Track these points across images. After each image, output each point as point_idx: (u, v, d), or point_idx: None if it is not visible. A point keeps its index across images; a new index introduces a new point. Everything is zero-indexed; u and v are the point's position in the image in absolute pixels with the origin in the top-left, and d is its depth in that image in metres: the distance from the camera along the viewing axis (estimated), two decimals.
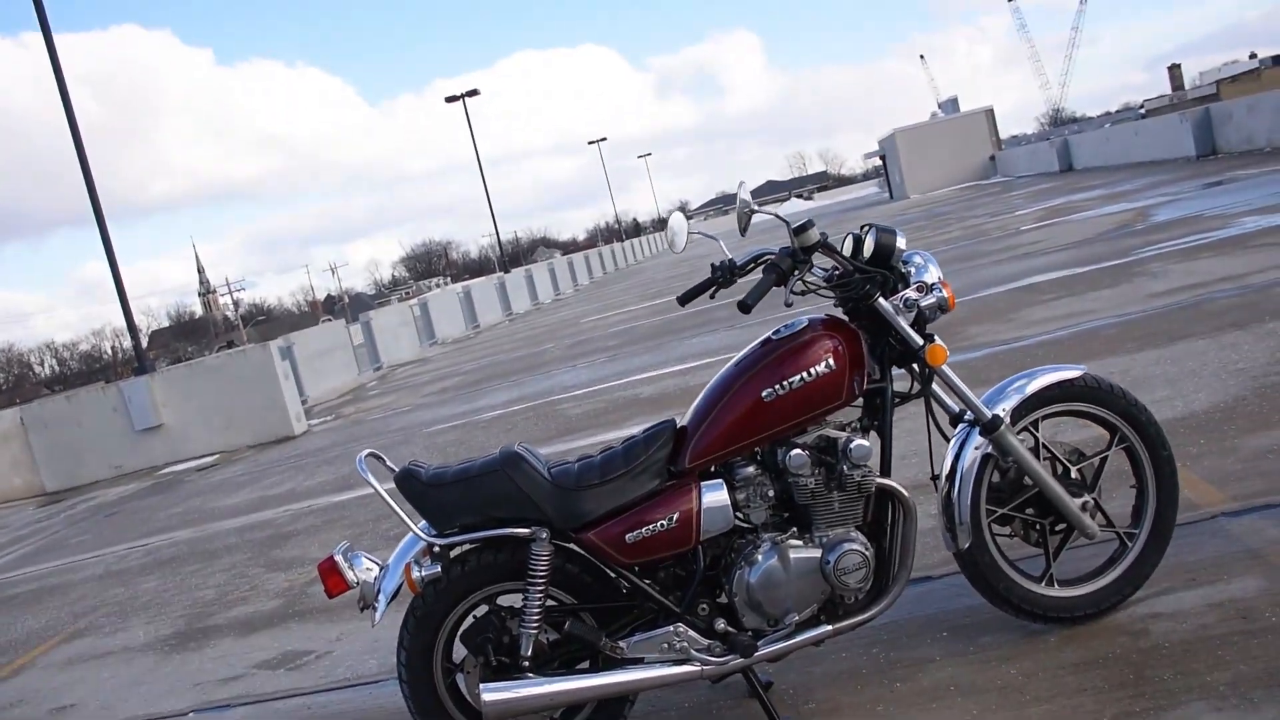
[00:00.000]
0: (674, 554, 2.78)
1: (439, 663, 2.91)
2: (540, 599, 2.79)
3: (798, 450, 2.75)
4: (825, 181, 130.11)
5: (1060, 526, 3.00)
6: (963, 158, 40.35)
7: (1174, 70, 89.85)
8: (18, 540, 11.34)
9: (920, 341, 2.83)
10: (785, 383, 2.73)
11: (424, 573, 2.79)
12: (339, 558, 2.89)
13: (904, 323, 2.82)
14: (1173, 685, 2.60)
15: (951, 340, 7.92)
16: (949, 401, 3.05)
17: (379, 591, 2.88)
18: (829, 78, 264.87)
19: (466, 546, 2.87)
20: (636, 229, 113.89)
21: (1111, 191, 18.02)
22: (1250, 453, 4.01)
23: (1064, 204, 17.90)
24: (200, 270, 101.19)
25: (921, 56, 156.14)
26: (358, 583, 2.88)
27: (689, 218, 2.94)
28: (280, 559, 6.83)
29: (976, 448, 2.94)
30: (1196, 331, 6.13)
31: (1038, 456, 2.98)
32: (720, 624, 2.80)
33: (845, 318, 2.90)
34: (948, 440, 3.04)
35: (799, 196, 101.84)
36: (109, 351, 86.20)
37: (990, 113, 42.41)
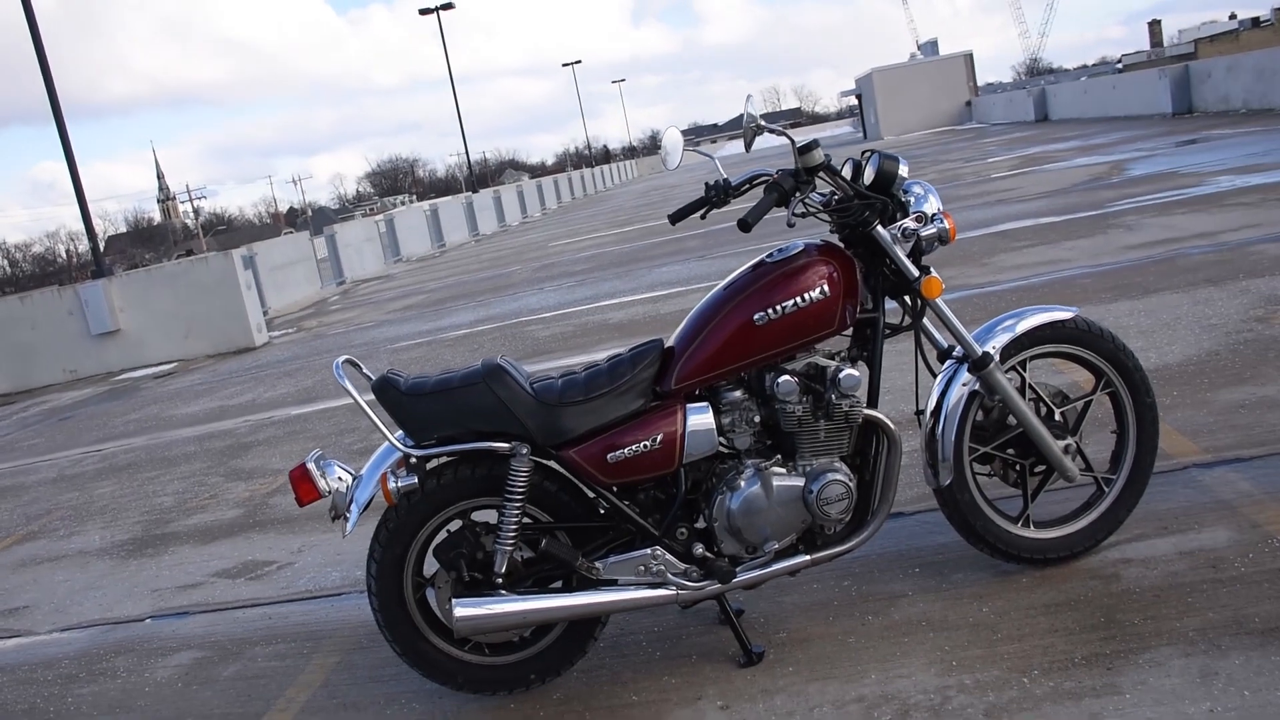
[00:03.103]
0: (655, 476, 2.74)
1: (409, 576, 2.87)
2: (517, 516, 2.74)
3: (786, 377, 2.71)
4: (799, 119, 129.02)
5: (1040, 468, 3.00)
6: (939, 101, 40.08)
7: (1154, 26, 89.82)
8: None
9: (916, 273, 2.78)
10: (777, 307, 2.67)
11: (400, 484, 2.73)
12: (311, 465, 2.82)
13: (901, 253, 2.77)
14: (1143, 629, 2.62)
15: None
16: (938, 336, 3.02)
17: (351, 501, 2.81)
18: (809, 13, 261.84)
19: (444, 459, 2.81)
20: (607, 155, 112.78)
21: (1087, 144, 18.02)
22: (1223, 406, 4.03)
23: (1039, 153, 17.89)
24: (160, 176, 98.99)
25: None
26: (330, 491, 2.82)
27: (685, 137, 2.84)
28: (240, 469, 6.74)
29: (964, 384, 2.91)
30: (1171, 285, 6.16)
31: (1023, 397, 2.96)
32: (698, 549, 2.78)
33: (841, 244, 2.83)
34: (934, 375, 3.01)
35: (770, 132, 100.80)
36: (64, 255, 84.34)
37: (969, 57, 42.08)
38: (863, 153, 2.84)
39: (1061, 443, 2.92)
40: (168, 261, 17.69)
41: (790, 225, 2.66)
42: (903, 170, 2.75)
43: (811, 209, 2.78)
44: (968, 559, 3.14)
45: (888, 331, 2.87)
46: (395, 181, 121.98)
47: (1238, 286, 5.79)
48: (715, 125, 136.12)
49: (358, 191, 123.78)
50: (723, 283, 2.86)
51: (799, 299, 2.67)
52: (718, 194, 2.90)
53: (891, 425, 2.79)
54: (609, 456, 2.70)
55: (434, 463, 2.83)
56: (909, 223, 2.76)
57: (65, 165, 15.80)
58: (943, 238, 2.76)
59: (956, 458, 2.90)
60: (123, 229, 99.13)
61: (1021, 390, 2.96)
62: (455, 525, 2.88)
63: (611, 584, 2.77)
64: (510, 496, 2.73)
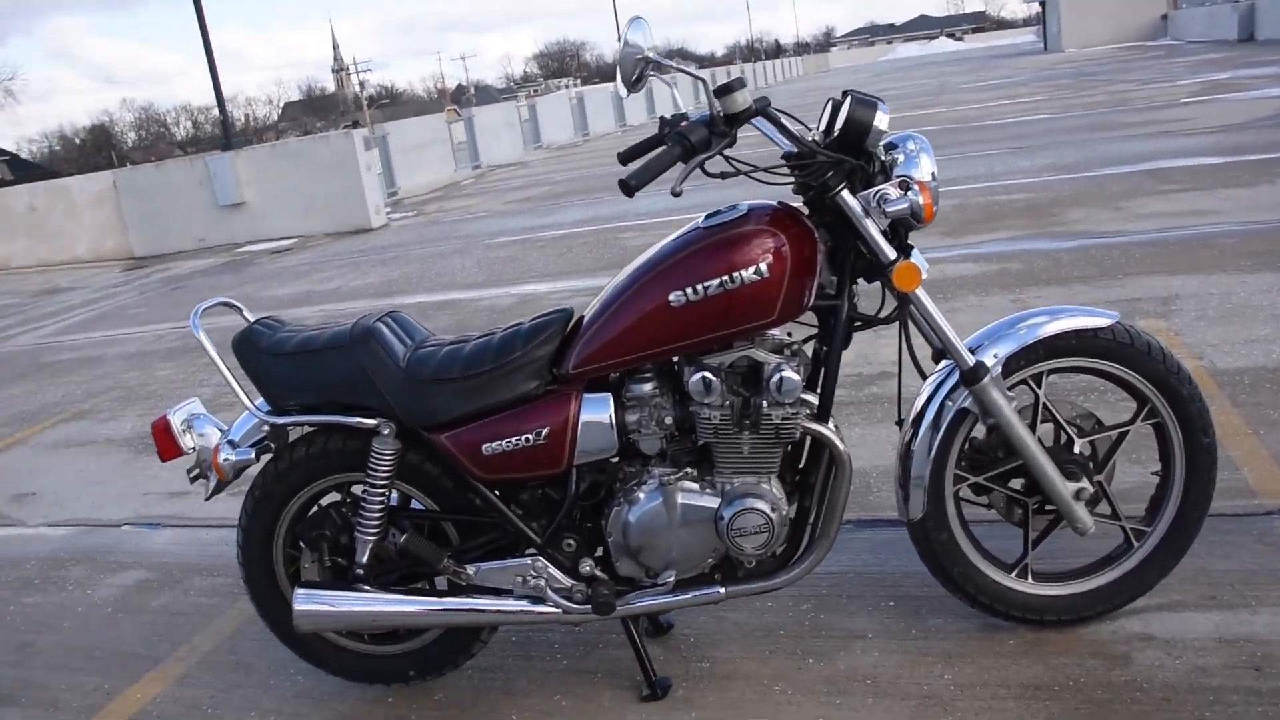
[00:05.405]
0: (541, 475, 2.25)
1: (280, 548, 2.50)
2: (380, 502, 2.32)
3: (704, 374, 2.14)
4: (982, 23, 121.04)
5: (1051, 507, 2.36)
6: (1131, 13, 36.49)
7: None
8: (89, 303, 11.47)
9: (891, 255, 2.14)
10: (700, 286, 2.10)
11: (234, 457, 2.34)
12: (173, 419, 2.46)
13: (874, 227, 2.14)
14: None
15: (1045, 224, 7.06)
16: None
17: (213, 464, 2.45)
18: None
19: (309, 428, 2.40)
20: (778, 50, 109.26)
21: None
22: None
23: (1228, 80, 15.98)
24: (335, 46, 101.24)
25: None
26: (194, 449, 2.45)
27: (647, 59, 2.17)
28: None
29: (952, 398, 2.29)
30: None
31: (1035, 419, 2.32)
32: (586, 566, 2.29)
33: (804, 209, 2.22)
34: (925, 378, 2.39)
35: (949, 36, 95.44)
36: (241, 119, 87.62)
37: None
38: (843, 93, 2.19)
39: (1074, 484, 2.28)
40: (333, 132, 17.65)
41: (675, 194, 2.06)
42: (878, 120, 2.09)
43: (743, 167, 2.17)
44: (953, 599, 2.54)
45: (859, 324, 2.26)
46: (562, 64, 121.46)
47: None
48: (892, 25, 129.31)
49: (525, 72, 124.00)
50: (663, 240, 2.30)
51: (728, 278, 2.09)
52: (670, 132, 2.28)
53: (840, 444, 2.20)
54: (485, 447, 2.22)
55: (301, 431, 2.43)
56: (889, 189, 2.11)
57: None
58: (916, 214, 2.10)
59: (934, 486, 2.30)
60: (297, 97, 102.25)
61: (1034, 411, 2.33)
62: (333, 499, 2.49)
63: (485, 592, 2.33)
64: (372, 481, 2.30)
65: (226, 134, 15.46)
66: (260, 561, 2.51)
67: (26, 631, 3.40)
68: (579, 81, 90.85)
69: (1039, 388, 2.31)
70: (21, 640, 3.34)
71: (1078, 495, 2.28)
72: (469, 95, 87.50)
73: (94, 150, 71.32)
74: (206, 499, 2.51)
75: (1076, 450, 2.33)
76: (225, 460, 2.34)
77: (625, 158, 2.42)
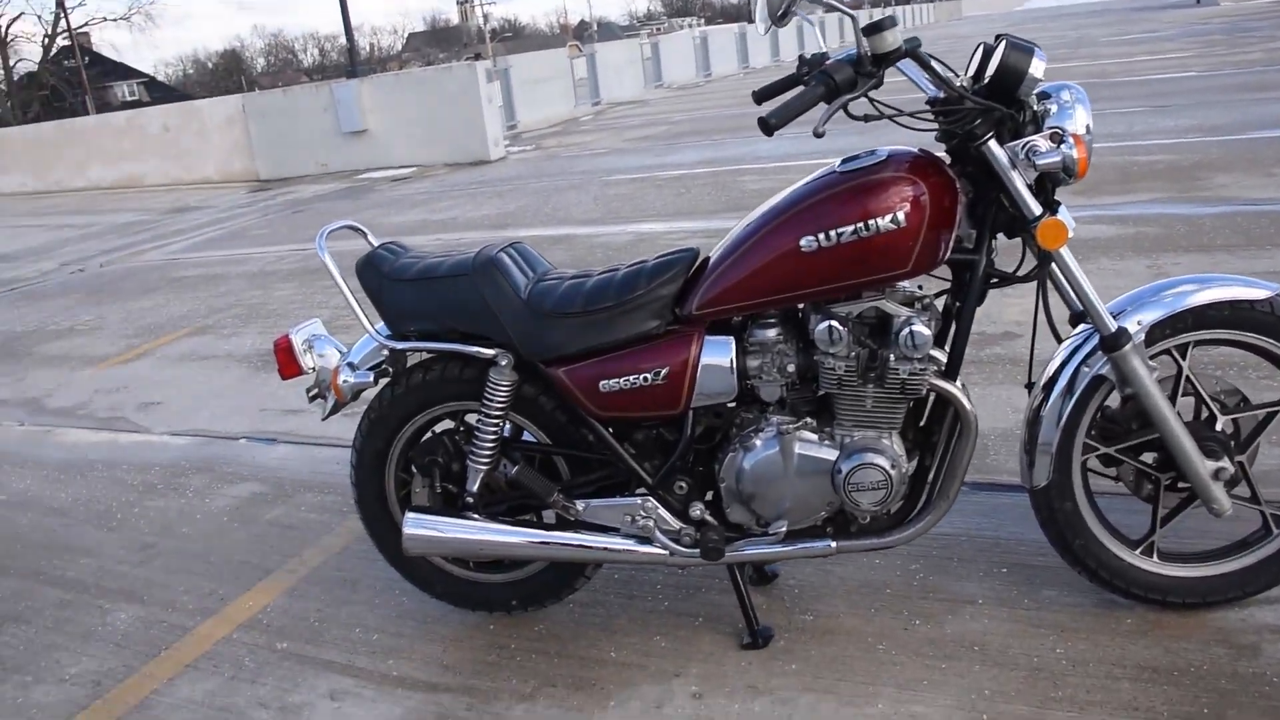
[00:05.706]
0: (657, 416, 2.23)
1: (392, 472, 2.54)
2: (494, 433, 2.33)
3: (831, 323, 2.08)
4: None
5: (1184, 485, 2.25)
6: None
7: None
8: (215, 223, 11.86)
9: (1037, 210, 2.03)
10: (833, 233, 2.03)
11: (352, 379, 2.37)
12: (295, 338, 2.50)
13: (1019, 180, 2.03)
14: None
15: (1187, 187, 6.69)
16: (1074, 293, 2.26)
17: (332, 385, 2.49)
18: None
19: (427, 355, 2.42)
20: None
21: None
22: None
23: None
24: None
25: None
26: (313, 369, 2.50)
27: None
28: None
29: (1089, 364, 2.18)
30: None
31: (1176, 392, 2.20)
32: (697, 510, 2.27)
33: (947, 157, 2.12)
34: (1060, 341, 2.29)
35: (818, 6, 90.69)
36: (366, 48, 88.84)
37: None
38: (996, 37, 2.07)
39: (1214, 463, 2.16)
40: (454, 63, 17.87)
41: (818, 135, 1.97)
42: (1034, 68, 1.96)
43: (887, 110, 2.06)
44: (1070, 571, 2.45)
45: (994, 281, 2.16)
46: (686, 3, 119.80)
47: None
48: None
49: (649, 10, 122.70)
50: (797, 184, 2.22)
51: (863, 225, 2.01)
52: (811, 70, 2.21)
53: (967, 404, 2.12)
54: (602, 384, 2.20)
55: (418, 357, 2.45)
56: (1038, 141, 1.99)
57: None
58: (1068, 168, 1.97)
59: (1062, 454, 2.20)
60: (421, 27, 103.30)
61: (1176, 383, 2.20)
62: (446, 426, 2.51)
63: (592, 528, 2.33)
64: (488, 411, 2.31)
65: (352, 62, 15.69)
66: (372, 483, 2.55)
67: (149, 534, 3.56)
68: (703, 21, 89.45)
69: (1183, 359, 2.19)
70: (145, 541, 3.50)
71: (1216, 475, 2.15)
72: (591, 31, 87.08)
73: (225, 75, 73.31)
74: (323, 419, 2.55)
75: (1218, 427, 2.20)
76: (344, 382, 2.38)
77: (760, 96, 2.36)
